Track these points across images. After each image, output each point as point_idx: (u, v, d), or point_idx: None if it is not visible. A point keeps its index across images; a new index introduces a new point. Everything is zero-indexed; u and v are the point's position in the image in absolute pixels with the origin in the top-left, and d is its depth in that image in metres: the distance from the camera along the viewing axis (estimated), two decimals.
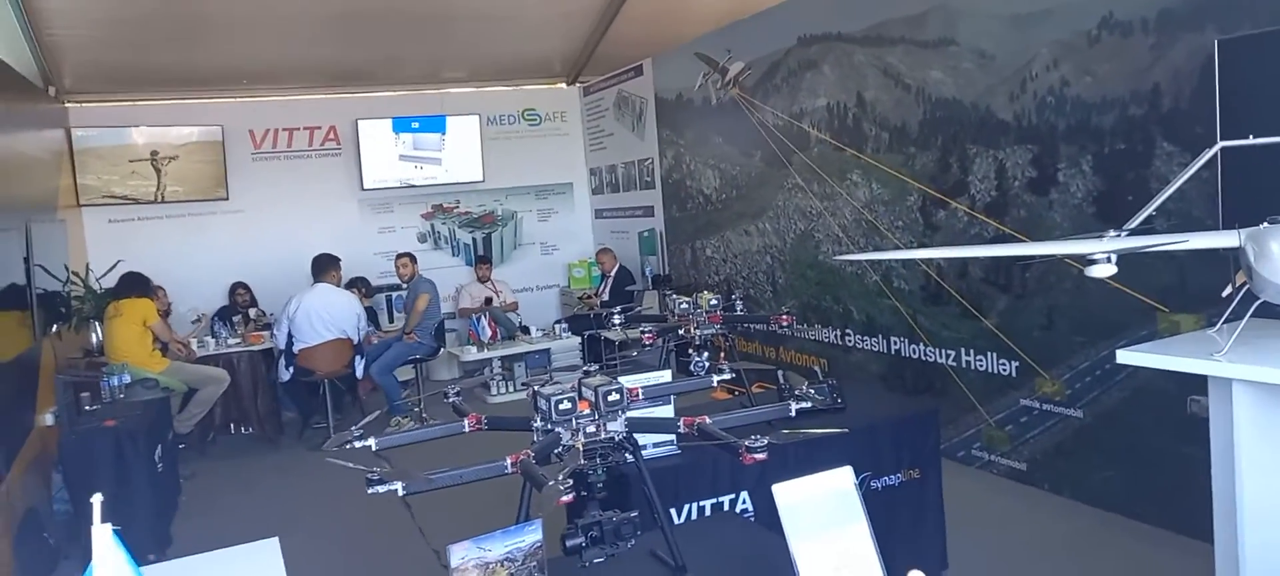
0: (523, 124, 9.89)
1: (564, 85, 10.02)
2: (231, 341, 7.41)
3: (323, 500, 5.19)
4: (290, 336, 6.85)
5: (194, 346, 6.99)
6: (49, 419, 5.22)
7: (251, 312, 7.94)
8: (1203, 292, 3.48)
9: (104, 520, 1.02)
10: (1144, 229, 2.76)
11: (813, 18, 6.21)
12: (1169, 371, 2.92)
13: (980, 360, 5.07)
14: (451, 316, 8.93)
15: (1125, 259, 2.84)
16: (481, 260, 9.06)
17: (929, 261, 5.36)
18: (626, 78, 8.98)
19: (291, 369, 6.88)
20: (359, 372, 7.23)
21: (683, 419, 2.02)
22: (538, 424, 1.96)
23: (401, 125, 9.15)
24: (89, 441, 4.73)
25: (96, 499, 1.01)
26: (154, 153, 8.28)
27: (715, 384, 2.54)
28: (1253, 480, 2.20)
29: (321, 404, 7.17)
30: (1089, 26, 4.31)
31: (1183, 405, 3.75)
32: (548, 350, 8.26)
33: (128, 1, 6.65)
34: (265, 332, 7.52)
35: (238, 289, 8.21)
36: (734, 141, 7.37)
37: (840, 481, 2.02)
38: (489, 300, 8.61)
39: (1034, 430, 4.76)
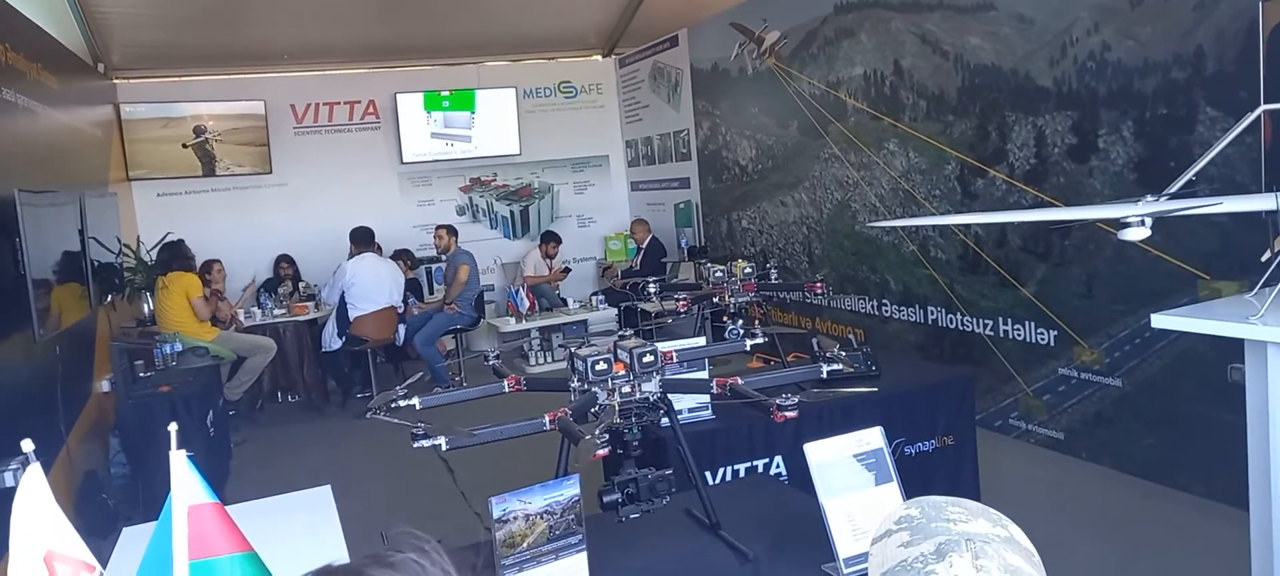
0: (559, 97, 9.92)
1: (599, 57, 10.03)
2: (277, 312, 7.60)
3: (368, 463, 5.33)
4: (343, 303, 7.00)
5: (241, 316, 7.18)
6: (105, 385, 5.40)
7: (300, 285, 8.13)
8: (1246, 259, 3.43)
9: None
10: (1185, 194, 2.73)
11: None
12: (1210, 338, 2.89)
13: (1018, 329, 5.04)
14: (490, 288, 9.06)
15: (1166, 225, 2.81)
16: (549, 237, 9.03)
17: (967, 231, 5.32)
18: (662, 49, 8.96)
19: (344, 337, 7.03)
20: (400, 340, 7.40)
21: (715, 379, 2.06)
22: (575, 384, 2.02)
23: (432, 103, 9.20)
24: (145, 407, 4.90)
25: (172, 427, 1.09)
26: (202, 128, 8.44)
27: (748, 348, 2.58)
28: None
29: (364, 373, 7.36)
30: None
31: (1224, 372, 3.71)
32: (585, 321, 8.34)
33: None
34: (309, 303, 7.70)
35: (282, 261, 8.39)
36: (770, 112, 7.34)
37: (870, 440, 2.06)
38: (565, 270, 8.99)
39: (1072, 399, 4.74)
